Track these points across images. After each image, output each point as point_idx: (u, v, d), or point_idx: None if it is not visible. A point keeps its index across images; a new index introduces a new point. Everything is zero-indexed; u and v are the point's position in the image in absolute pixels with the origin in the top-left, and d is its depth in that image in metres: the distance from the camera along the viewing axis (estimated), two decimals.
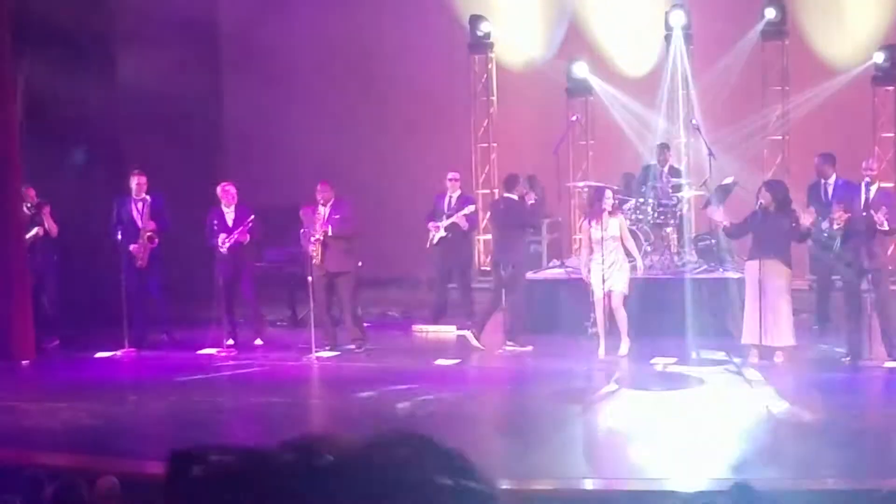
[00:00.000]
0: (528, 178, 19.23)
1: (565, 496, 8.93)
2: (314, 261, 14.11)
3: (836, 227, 12.62)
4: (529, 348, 14.08)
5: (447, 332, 15.46)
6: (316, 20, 19.96)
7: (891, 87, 17.48)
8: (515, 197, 14.52)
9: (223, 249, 14.54)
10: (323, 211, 14.21)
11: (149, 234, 14.89)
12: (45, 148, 16.23)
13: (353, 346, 14.35)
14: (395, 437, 1.50)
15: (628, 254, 13.86)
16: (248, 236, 14.69)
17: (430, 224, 15.55)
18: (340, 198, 14.37)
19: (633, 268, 13.77)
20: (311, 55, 19.94)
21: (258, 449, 1.51)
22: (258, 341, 15.03)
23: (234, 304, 14.95)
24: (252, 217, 14.71)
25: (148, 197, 15.04)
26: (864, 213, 12.46)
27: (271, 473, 1.46)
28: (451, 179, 15.86)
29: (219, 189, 14.93)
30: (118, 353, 14.63)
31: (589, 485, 9.38)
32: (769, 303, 12.52)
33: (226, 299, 14.79)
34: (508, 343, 14.18)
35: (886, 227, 12.34)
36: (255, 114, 19.57)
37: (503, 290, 14.33)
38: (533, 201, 14.75)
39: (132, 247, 14.85)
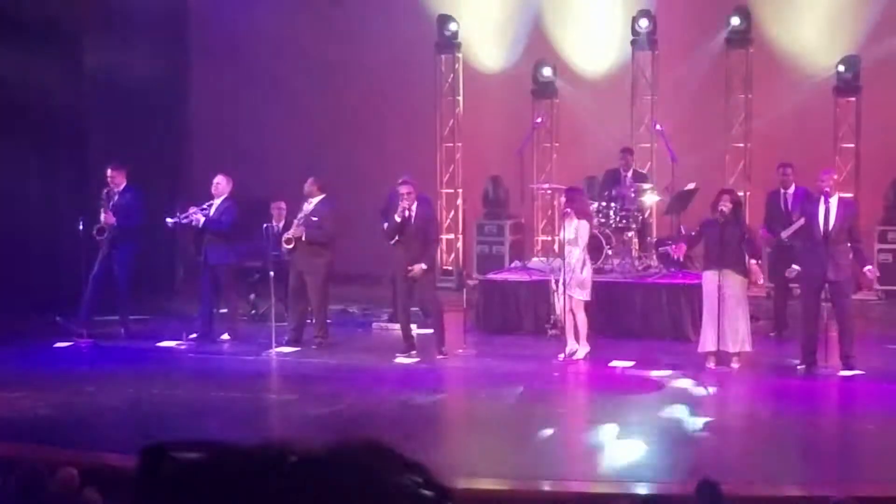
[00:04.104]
0: (492, 178, 19.36)
1: (520, 497, 8.99)
2: (286, 257, 14.20)
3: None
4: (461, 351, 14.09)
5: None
6: (284, 15, 19.95)
7: (852, 98, 17.63)
8: None
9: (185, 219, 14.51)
10: (307, 207, 14.23)
11: (98, 226, 14.80)
12: (9, 139, 16.18)
13: (313, 345, 14.37)
14: (357, 443, 1.55)
15: (594, 257, 13.90)
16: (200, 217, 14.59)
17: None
18: (327, 198, 14.36)
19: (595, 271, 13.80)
20: (278, 51, 19.93)
21: (226, 446, 1.55)
22: (225, 336, 14.99)
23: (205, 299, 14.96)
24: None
25: (116, 191, 14.96)
26: (826, 225, 12.53)
27: (238, 471, 1.50)
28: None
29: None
30: (76, 342, 14.62)
31: (544, 486, 9.44)
32: (727, 310, 12.62)
33: (207, 294, 14.86)
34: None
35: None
36: (222, 108, 19.57)
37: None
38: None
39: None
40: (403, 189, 13.84)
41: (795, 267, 12.88)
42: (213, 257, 14.76)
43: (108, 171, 15.01)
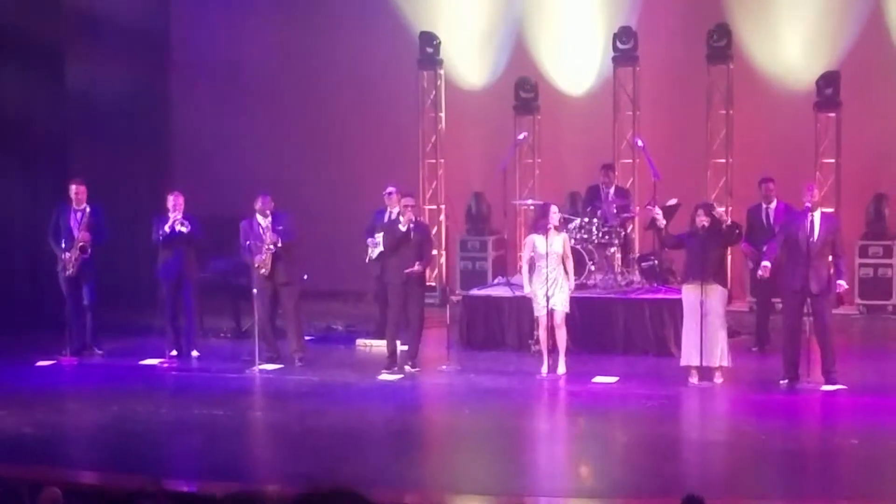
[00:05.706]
0: (475, 194, 19.39)
1: None
2: (263, 271, 14.13)
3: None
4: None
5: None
6: (266, 32, 19.98)
7: (832, 113, 17.70)
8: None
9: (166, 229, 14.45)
10: (264, 222, 14.23)
11: (81, 244, 14.75)
12: None
13: (296, 360, 14.35)
14: (326, 490, 1.55)
15: (577, 272, 13.91)
16: (187, 226, 14.51)
17: (369, 240, 15.41)
18: (278, 210, 14.38)
19: (578, 286, 13.79)
20: (260, 67, 19.96)
21: (198, 497, 1.56)
22: (194, 353, 14.94)
23: (177, 314, 14.90)
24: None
25: (87, 207, 14.88)
26: (810, 239, 12.55)
27: None
28: (388, 194, 15.51)
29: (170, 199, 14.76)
30: (59, 361, 14.57)
31: (527, 502, 9.43)
32: (708, 324, 12.65)
33: (170, 309, 14.77)
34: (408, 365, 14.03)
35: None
36: (204, 124, 19.56)
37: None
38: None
39: (65, 255, 14.72)
40: (409, 201, 14.02)
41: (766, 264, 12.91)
42: (193, 271, 14.79)
43: (74, 188, 14.86)
